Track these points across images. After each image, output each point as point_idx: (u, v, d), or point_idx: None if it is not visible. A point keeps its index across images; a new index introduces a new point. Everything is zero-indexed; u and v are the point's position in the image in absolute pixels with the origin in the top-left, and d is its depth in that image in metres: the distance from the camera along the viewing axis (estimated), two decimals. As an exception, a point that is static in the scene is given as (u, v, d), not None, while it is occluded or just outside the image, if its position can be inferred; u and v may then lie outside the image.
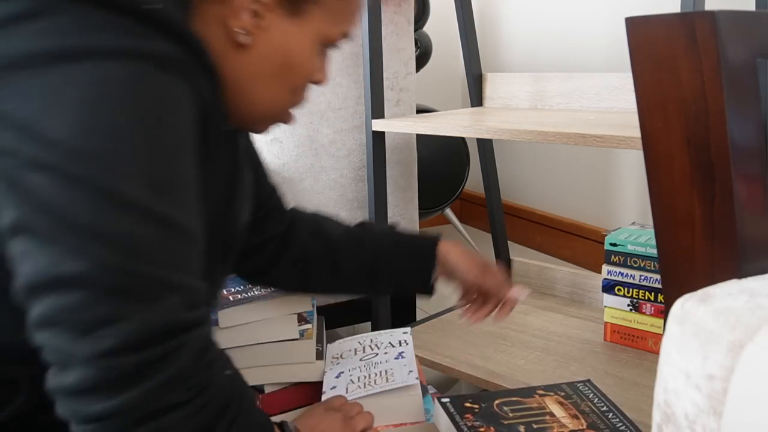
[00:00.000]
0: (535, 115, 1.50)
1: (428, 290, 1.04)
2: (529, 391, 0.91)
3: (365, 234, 1.04)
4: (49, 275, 0.52)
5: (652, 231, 1.27)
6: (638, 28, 0.68)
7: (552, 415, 0.85)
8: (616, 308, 1.31)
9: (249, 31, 0.67)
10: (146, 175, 0.55)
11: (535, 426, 0.82)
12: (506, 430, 0.81)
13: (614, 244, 1.28)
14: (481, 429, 0.81)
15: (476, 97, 1.76)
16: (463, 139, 2.12)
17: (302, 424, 0.87)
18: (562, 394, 0.91)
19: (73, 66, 0.54)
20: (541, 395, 0.90)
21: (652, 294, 1.24)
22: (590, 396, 0.90)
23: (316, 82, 0.76)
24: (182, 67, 0.59)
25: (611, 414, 0.85)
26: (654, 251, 1.15)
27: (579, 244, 2.07)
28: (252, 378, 1.05)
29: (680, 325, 0.47)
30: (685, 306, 0.47)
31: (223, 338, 1.03)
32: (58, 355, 0.54)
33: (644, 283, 1.24)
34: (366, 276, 1.02)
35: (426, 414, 0.97)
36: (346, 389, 0.98)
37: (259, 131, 0.79)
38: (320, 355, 1.07)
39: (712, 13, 0.61)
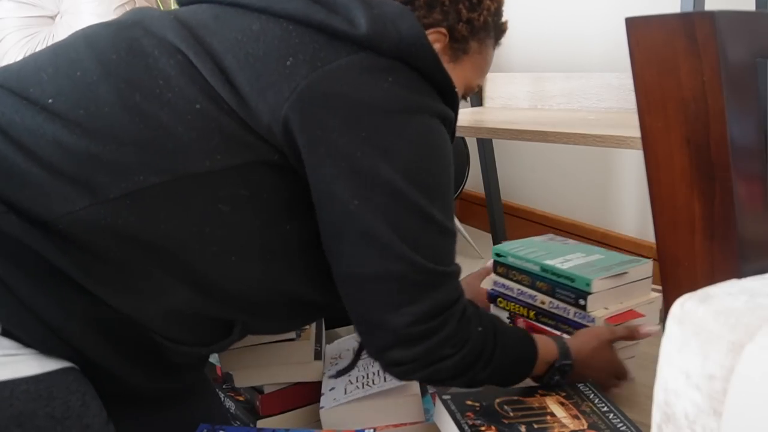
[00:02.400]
0: (535, 115, 1.50)
1: None
2: (529, 391, 0.91)
3: None
4: (378, 272, 0.74)
5: (551, 244, 1.22)
6: (638, 28, 0.68)
7: (553, 415, 0.85)
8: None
9: None
10: (443, 201, 0.77)
11: (536, 426, 0.82)
12: (507, 430, 0.81)
13: (499, 255, 1.20)
14: (482, 428, 0.81)
15: (476, 97, 1.76)
16: (463, 139, 2.12)
17: (577, 343, 0.96)
18: (563, 394, 0.91)
19: (413, 116, 0.75)
20: (542, 395, 0.90)
21: (525, 310, 1.16)
22: (591, 396, 0.90)
23: None
24: (450, 124, 0.81)
25: (612, 414, 0.85)
26: (531, 266, 1.13)
27: (579, 244, 2.07)
28: (251, 378, 1.05)
29: (680, 325, 0.47)
30: (685, 306, 0.47)
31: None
32: (371, 322, 0.77)
33: (520, 297, 1.17)
34: None
35: (426, 414, 0.97)
36: (345, 390, 0.98)
37: None
38: (319, 355, 1.07)
39: (711, 13, 0.61)
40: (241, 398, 1.10)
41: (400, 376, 0.82)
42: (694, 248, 0.68)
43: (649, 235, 1.83)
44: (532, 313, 1.14)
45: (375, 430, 0.90)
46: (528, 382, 0.94)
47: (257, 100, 0.72)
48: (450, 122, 0.81)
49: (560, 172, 2.16)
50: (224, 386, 1.14)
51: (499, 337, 0.84)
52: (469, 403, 0.87)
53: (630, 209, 1.94)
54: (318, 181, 0.74)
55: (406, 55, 0.76)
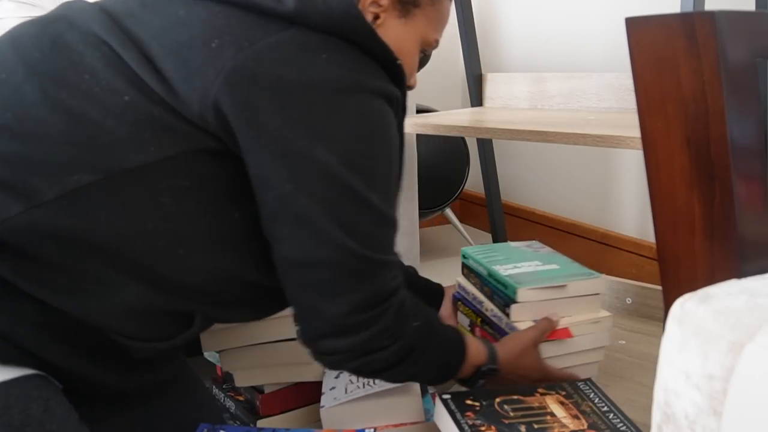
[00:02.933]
0: (535, 115, 1.50)
1: None
2: (530, 390, 0.92)
3: None
4: (313, 258, 0.72)
5: (520, 250, 1.16)
6: (638, 28, 0.68)
7: (553, 415, 0.85)
8: (461, 324, 1.17)
9: (373, 23, 0.82)
10: (384, 186, 0.75)
11: (536, 426, 0.82)
12: (507, 430, 0.81)
13: (464, 257, 1.16)
14: (483, 428, 0.81)
15: (476, 97, 1.76)
16: (463, 139, 2.12)
17: (504, 349, 0.95)
18: (563, 393, 0.91)
19: (351, 96, 0.72)
20: (542, 394, 0.90)
21: (474, 315, 1.12)
22: (591, 396, 0.90)
23: (410, 86, 0.88)
24: (397, 102, 0.78)
25: (612, 414, 0.85)
26: (482, 270, 1.09)
27: (579, 244, 2.07)
28: (252, 378, 1.05)
29: (680, 325, 0.47)
30: (685, 306, 0.47)
31: (223, 338, 1.03)
32: (307, 309, 0.76)
33: (474, 302, 1.13)
34: None
35: (426, 414, 0.97)
36: (345, 389, 0.98)
37: None
38: (320, 355, 1.07)
39: (711, 13, 0.61)
40: (241, 398, 1.10)
41: (331, 366, 0.81)
42: (694, 248, 0.68)
43: (649, 235, 1.83)
44: (479, 319, 1.11)
45: (375, 430, 0.90)
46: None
47: (185, 87, 0.70)
48: (395, 101, 0.78)
49: (560, 172, 2.16)
50: (224, 386, 1.14)
51: (434, 334, 0.84)
52: (469, 402, 0.87)
53: (630, 209, 1.94)
54: (252, 164, 0.72)
55: (339, 29, 0.73)
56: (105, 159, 0.69)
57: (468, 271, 1.16)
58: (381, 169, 0.76)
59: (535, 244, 1.22)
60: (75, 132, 0.69)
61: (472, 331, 1.12)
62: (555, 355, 1.01)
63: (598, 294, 1.06)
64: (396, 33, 0.84)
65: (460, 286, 1.17)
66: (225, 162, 0.73)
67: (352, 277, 0.74)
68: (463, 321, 1.16)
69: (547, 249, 1.19)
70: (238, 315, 0.89)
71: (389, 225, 0.78)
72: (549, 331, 0.99)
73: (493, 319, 1.07)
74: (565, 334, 1.01)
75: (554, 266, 1.10)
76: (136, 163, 0.70)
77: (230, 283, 0.79)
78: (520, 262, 1.11)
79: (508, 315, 1.02)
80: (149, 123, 0.70)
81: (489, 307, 1.08)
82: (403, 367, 0.81)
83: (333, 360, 0.78)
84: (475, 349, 0.91)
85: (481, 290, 1.11)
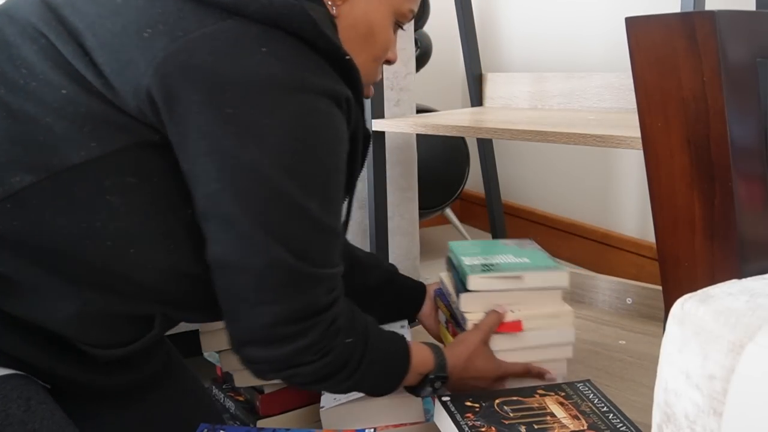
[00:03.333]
0: (535, 115, 1.50)
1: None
2: (529, 391, 0.91)
3: (368, 259, 1.11)
4: (236, 263, 0.69)
5: (504, 246, 1.10)
6: (638, 28, 0.68)
7: (553, 415, 0.85)
8: (440, 321, 1.13)
9: (335, 2, 0.78)
10: (324, 193, 0.71)
11: (536, 426, 0.82)
12: (507, 430, 0.81)
13: (449, 251, 1.11)
14: (482, 428, 0.81)
15: (476, 97, 1.76)
16: (463, 139, 2.12)
17: (453, 354, 0.92)
18: (563, 394, 0.91)
19: (290, 94, 0.68)
20: (541, 395, 0.90)
21: (446, 308, 1.08)
22: (590, 396, 0.90)
23: (389, 60, 0.86)
24: (348, 102, 0.73)
25: (611, 414, 0.85)
26: (456, 262, 1.04)
27: (579, 244, 2.07)
28: (251, 378, 1.05)
29: (680, 325, 0.47)
30: (685, 306, 0.47)
31: (223, 338, 1.03)
32: (233, 313, 0.73)
33: (448, 298, 1.07)
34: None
35: (426, 414, 0.97)
36: (346, 389, 0.98)
37: None
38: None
39: (712, 13, 0.61)
40: (241, 398, 1.10)
41: (256, 375, 0.78)
42: (694, 248, 0.68)
43: (649, 235, 1.83)
44: (448, 313, 1.07)
45: (375, 430, 0.90)
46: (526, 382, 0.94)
47: (119, 80, 0.66)
48: (345, 101, 0.72)
49: (560, 172, 2.16)
50: (224, 386, 1.14)
51: (369, 350, 0.80)
52: (468, 404, 0.87)
53: (630, 209, 1.94)
54: (183, 160, 0.68)
55: (279, 20, 0.68)
56: (46, 157, 0.66)
57: (449, 265, 1.11)
58: (322, 175, 0.71)
59: (527, 242, 1.17)
60: (14, 130, 0.66)
61: (447, 328, 1.09)
62: (508, 349, 0.97)
63: (560, 288, 1.00)
64: (365, 7, 0.79)
65: (441, 281, 1.12)
66: (171, 156, 0.69)
67: (281, 288, 0.70)
68: (441, 317, 1.12)
69: (535, 247, 1.13)
70: (199, 315, 0.85)
71: (328, 235, 0.73)
72: (497, 324, 0.95)
73: (456, 312, 1.02)
74: (515, 327, 0.96)
75: (524, 260, 1.04)
76: (78, 160, 0.66)
77: (186, 282, 0.75)
78: (493, 255, 1.05)
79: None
80: (89, 117, 0.67)
81: (454, 300, 1.03)
82: (336, 381, 0.78)
83: (258, 369, 0.76)
84: (422, 358, 0.88)
85: (454, 284, 1.06)
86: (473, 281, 0.97)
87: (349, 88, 0.74)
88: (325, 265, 0.73)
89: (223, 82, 0.66)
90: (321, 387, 0.82)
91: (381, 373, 0.84)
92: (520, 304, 0.98)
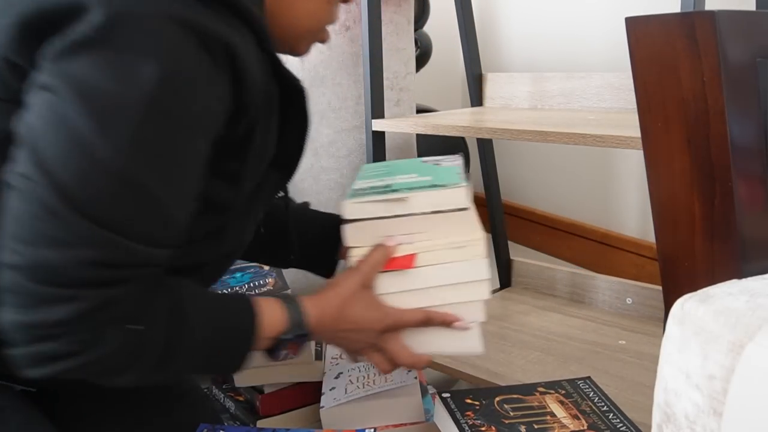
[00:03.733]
0: (535, 115, 1.50)
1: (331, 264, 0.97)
2: (529, 388, 0.91)
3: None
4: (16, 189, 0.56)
5: (425, 165, 0.91)
6: (638, 28, 0.68)
7: (553, 414, 0.85)
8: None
9: None
10: (139, 143, 0.57)
11: (535, 426, 0.82)
12: (507, 430, 0.81)
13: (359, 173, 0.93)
14: (483, 428, 0.81)
15: (476, 97, 1.76)
16: (463, 139, 2.12)
17: (319, 304, 0.77)
18: (563, 392, 0.91)
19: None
20: (541, 393, 0.90)
21: None
22: (590, 395, 0.90)
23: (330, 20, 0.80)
24: (226, 50, 0.61)
25: (611, 414, 0.85)
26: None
27: (579, 244, 2.07)
28: (251, 378, 1.05)
29: (680, 325, 0.47)
30: (685, 306, 0.47)
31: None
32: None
33: None
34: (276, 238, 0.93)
35: (426, 414, 0.97)
36: (345, 389, 0.98)
37: (301, 53, 0.81)
38: (319, 356, 1.07)
39: (712, 13, 0.61)
40: (241, 398, 1.10)
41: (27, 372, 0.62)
42: (694, 248, 0.68)
43: (650, 236, 1.83)
44: None
45: (375, 430, 0.90)
46: (528, 382, 0.94)
47: None
48: (223, 46, 0.61)
49: (560, 172, 2.16)
50: (224, 386, 1.14)
51: (183, 334, 0.65)
52: (468, 402, 0.87)
53: (630, 209, 1.94)
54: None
55: None
56: None
57: None
58: (139, 121, 0.57)
59: (452, 158, 0.97)
60: None
61: None
62: (401, 291, 0.79)
63: (464, 210, 0.79)
64: None
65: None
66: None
67: (39, 235, 0.56)
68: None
69: (455, 163, 0.93)
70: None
71: (130, 191, 0.58)
72: (383, 261, 0.78)
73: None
74: (406, 262, 0.78)
75: (427, 178, 0.83)
76: None
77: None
78: (396, 175, 0.87)
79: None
80: None
81: None
82: (137, 371, 0.64)
83: (19, 365, 0.60)
84: (271, 319, 0.72)
85: None
86: (351, 209, 0.78)
87: (257, 40, 0.66)
88: (106, 224, 0.57)
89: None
90: (124, 380, 0.64)
91: (212, 354, 0.69)
92: (423, 233, 0.79)
